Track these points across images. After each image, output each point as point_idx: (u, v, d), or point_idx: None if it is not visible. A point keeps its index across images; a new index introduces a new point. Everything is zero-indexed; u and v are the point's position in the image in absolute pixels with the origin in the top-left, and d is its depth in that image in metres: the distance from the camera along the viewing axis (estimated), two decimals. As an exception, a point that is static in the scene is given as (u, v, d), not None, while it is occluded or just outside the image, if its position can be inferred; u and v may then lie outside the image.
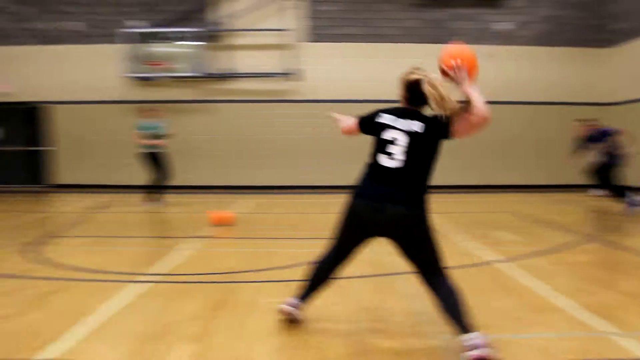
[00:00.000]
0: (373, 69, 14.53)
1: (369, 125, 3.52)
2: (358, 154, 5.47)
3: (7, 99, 15.22)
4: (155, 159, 10.69)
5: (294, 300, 3.74)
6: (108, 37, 14.95)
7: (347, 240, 3.53)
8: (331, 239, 3.63)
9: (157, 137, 10.70)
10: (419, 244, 3.29)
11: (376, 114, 3.51)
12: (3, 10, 15.31)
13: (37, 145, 15.36)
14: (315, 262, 3.71)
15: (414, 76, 3.36)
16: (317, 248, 3.92)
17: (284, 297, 3.87)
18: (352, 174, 3.93)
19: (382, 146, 3.37)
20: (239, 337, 3.58)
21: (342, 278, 4.02)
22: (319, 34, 14.81)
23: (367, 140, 3.49)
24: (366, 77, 14.59)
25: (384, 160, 3.33)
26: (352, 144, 8.22)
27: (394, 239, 3.33)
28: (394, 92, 3.60)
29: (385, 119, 3.42)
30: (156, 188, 10.85)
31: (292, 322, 3.75)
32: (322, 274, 3.69)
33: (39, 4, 15.24)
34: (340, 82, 14.72)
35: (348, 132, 3.78)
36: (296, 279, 3.76)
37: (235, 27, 14.73)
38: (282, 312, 3.72)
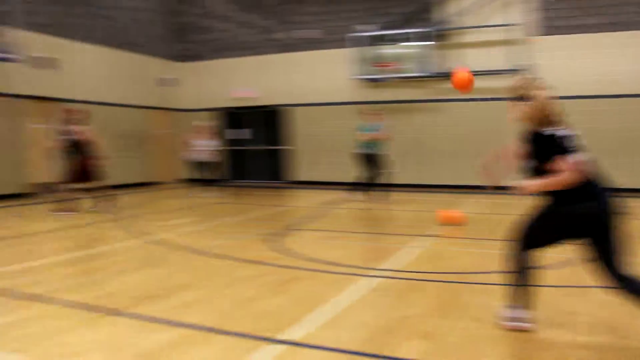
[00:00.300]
0: (619, 61, 13.06)
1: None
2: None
3: (252, 103, 16.97)
4: (371, 159, 10.94)
5: (518, 310, 3.50)
6: (339, 42, 15.74)
7: (556, 241, 3.40)
8: (537, 238, 3.42)
9: (375, 138, 10.93)
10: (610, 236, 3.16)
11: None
12: (253, 25, 17.05)
13: (278, 145, 16.79)
14: (529, 266, 3.48)
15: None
16: (548, 252, 3.61)
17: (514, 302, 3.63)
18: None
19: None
20: (470, 339, 3.43)
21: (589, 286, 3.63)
22: (551, 27, 13.76)
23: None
24: (609, 71, 13.16)
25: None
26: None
27: (594, 236, 3.18)
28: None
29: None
30: (367, 186, 11.13)
31: (521, 331, 3.50)
32: (531, 277, 3.50)
33: (279, 16, 16.66)
34: (580, 77, 13.46)
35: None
36: (527, 284, 3.49)
37: (462, 25, 14.42)
38: (508, 326, 3.52)
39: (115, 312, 3.95)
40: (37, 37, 13.17)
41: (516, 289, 3.51)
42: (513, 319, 3.51)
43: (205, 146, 13.40)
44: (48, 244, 7.34)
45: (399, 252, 6.20)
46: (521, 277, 3.49)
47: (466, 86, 5.07)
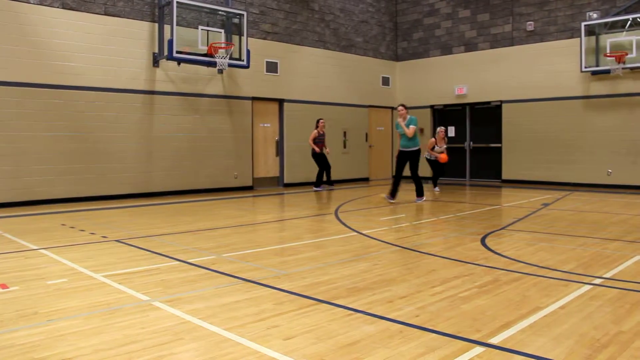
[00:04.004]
0: None
1: None
2: None
3: (465, 100, 16.73)
4: None
5: None
6: (561, 33, 14.74)
7: None
8: None
9: None
10: None
11: None
12: (472, 21, 16.76)
13: (493, 143, 16.31)
14: None
15: None
16: None
17: None
18: None
19: None
20: None
21: None
22: None
23: None
24: None
25: None
26: None
27: None
28: None
29: None
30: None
31: None
32: None
33: (493, 10, 16.12)
34: None
35: None
36: None
37: None
38: None
39: (326, 301, 4.23)
40: (267, 44, 14.50)
41: None
42: None
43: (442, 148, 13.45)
44: (267, 233, 8.09)
45: (621, 260, 5.67)
46: None
47: None
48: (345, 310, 3.99)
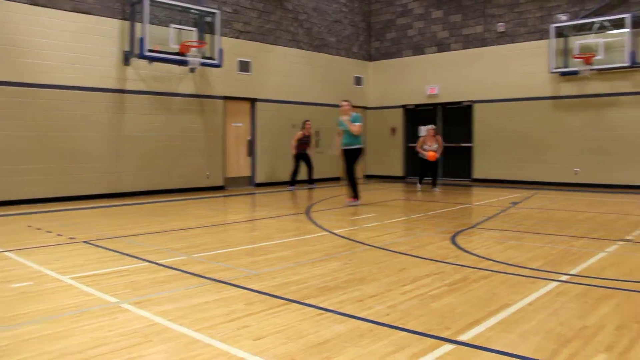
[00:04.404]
0: None
1: None
2: None
3: (437, 100, 16.90)
4: None
5: None
6: (532, 35, 14.98)
7: None
8: None
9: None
10: None
11: None
12: (444, 21, 16.91)
13: (463, 142, 16.47)
14: None
15: None
16: None
17: None
18: None
19: None
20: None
21: None
22: None
23: None
24: None
25: None
26: None
27: None
28: None
29: None
30: None
31: None
32: None
33: (465, 11, 16.29)
34: None
35: None
36: None
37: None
38: None
39: (297, 301, 4.23)
40: (239, 43, 14.43)
41: None
42: None
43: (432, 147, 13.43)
44: (238, 233, 8.06)
45: (587, 257, 5.78)
46: None
47: None
48: (316, 309, 3.99)
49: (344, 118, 10.43)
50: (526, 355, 3.11)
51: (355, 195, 10.63)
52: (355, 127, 10.26)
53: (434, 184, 13.75)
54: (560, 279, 4.90)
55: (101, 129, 11.84)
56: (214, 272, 5.14)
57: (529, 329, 3.55)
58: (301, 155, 14.20)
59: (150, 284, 4.72)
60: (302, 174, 14.49)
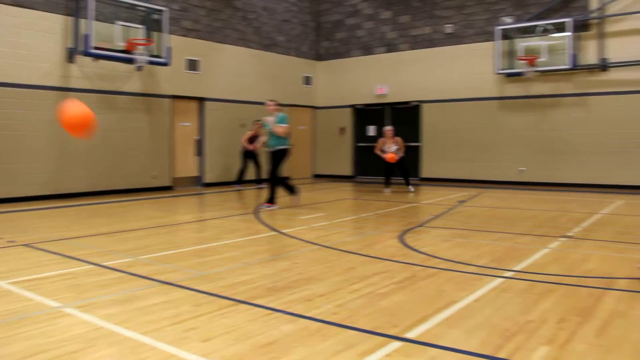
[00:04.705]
0: None
1: None
2: None
3: (386, 100, 17.08)
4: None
5: None
6: (478, 36, 15.32)
7: None
8: None
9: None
10: None
11: None
12: (393, 22, 17.09)
13: (411, 142, 16.66)
14: None
15: None
16: None
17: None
18: None
19: None
20: (600, 347, 3.23)
21: None
22: None
23: None
24: None
25: None
26: None
27: None
28: None
29: None
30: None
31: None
32: None
33: (413, 12, 16.54)
34: None
35: None
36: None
37: (608, 13, 13.43)
38: None
39: (245, 302, 4.19)
40: (188, 42, 14.21)
41: None
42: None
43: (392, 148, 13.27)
44: (187, 234, 7.94)
45: (531, 253, 5.96)
46: None
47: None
48: (264, 310, 3.97)
49: (269, 119, 10.04)
50: (472, 351, 3.18)
51: (271, 199, 10.07)
52: (280, 129, 9.84)
53: (407, 183, 13.48)
54: (505, 275, 5.03)
55: (43, 128, 11.44)
56: (161, 274, 5.04)
57: (475, 325, 3.63)
58: (249, 154, 14.19)
59: (95, 287, 4.59)
60: (250, 174, 14.46)
